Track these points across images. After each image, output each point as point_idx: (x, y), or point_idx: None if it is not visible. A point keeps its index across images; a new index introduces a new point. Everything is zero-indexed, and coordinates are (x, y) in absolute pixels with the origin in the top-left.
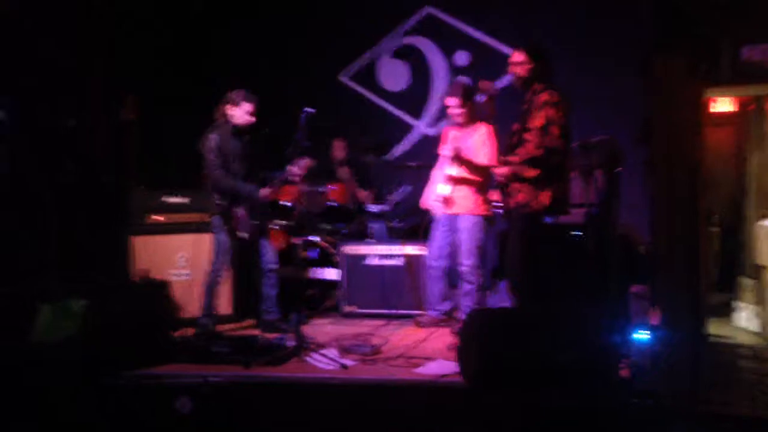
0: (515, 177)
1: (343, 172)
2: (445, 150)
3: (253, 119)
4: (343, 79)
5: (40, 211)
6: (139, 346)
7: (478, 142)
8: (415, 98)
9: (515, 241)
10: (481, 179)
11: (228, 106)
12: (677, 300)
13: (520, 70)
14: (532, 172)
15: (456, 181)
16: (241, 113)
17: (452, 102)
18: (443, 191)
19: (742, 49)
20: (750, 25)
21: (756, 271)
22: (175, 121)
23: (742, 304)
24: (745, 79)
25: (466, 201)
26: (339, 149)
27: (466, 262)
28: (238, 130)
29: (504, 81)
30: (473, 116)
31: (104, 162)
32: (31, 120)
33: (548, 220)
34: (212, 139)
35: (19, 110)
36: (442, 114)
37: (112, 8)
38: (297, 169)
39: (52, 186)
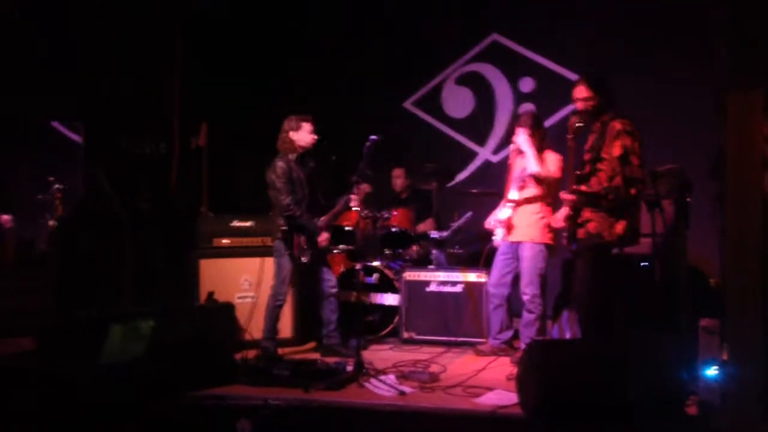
0: (587, 205)
1: (403, 199)
2: (519, 170)
3: (316, 136)
4: (408, 106)
5: (117, 234)
6: (203, 367)
7: (547, 170)
8: (479, 125)
9: (584, 271)
10: (545, 206)
11: (290, 134)
12: (748, 335)
13: (586, 105)
14: (605, 202)
15: (518, 205)
16: (304, 135)
17: (522, 130)
18: (504, 215)
19: None
20: None
21: None
22: (242, 147)
23: None
24: None
25: (529, 229)
26: (398, 177)
27: (528, 291)
28: (302, 157)
29: (569, 109)
30: (541, 144)
31: (178, 187)
32: (109, 146)
33: (615, 250)
34: (280, 166)
35: (97, 136)
36: (507, 141)
37: (188, 36)
38: (355, 195)
39: (128, 210)
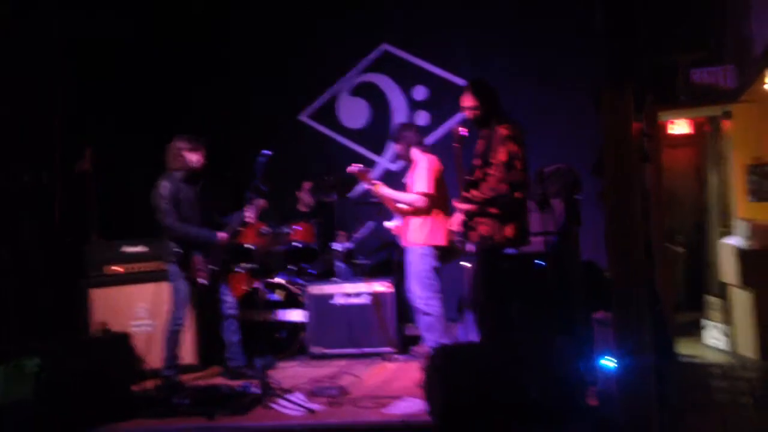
0: (478, 211)
1: (305, 213)
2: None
3: (203, 161)
4: (304, 118)
5: None
6: (97, 404)
7: (416, 174)
8: (376, 134)
9: (478, 273)
10: (425, 209)
11: (185, 152)
12: (635, 324)
13: (473, 113)
14: (495, 207)
15: (403, 213)
16: (194, 156)
17: (395, 146)
18: (390, 224)
19: (692, 73)
20: (695, 50)
21: (722, 289)
22: (132, 170)
23: (710, 323)
24: (698, 101)
25: (413, 233)
26: (306, 190)
27: (418, 294)
28: (191, 176)
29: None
30: (408, 152)
31: (62, 216)
32: None
33: (511, 251)
34: (164, 186)
35: None
36: None
37: (69, 58)
38: (250, 211)
39: (8, 243)
